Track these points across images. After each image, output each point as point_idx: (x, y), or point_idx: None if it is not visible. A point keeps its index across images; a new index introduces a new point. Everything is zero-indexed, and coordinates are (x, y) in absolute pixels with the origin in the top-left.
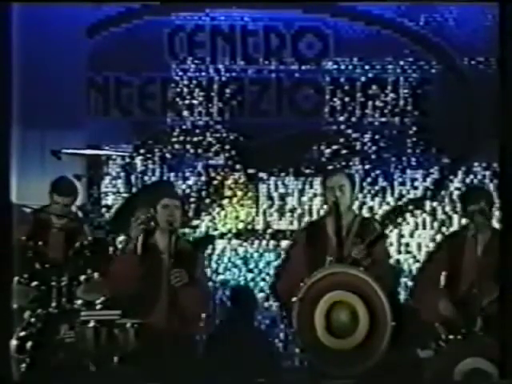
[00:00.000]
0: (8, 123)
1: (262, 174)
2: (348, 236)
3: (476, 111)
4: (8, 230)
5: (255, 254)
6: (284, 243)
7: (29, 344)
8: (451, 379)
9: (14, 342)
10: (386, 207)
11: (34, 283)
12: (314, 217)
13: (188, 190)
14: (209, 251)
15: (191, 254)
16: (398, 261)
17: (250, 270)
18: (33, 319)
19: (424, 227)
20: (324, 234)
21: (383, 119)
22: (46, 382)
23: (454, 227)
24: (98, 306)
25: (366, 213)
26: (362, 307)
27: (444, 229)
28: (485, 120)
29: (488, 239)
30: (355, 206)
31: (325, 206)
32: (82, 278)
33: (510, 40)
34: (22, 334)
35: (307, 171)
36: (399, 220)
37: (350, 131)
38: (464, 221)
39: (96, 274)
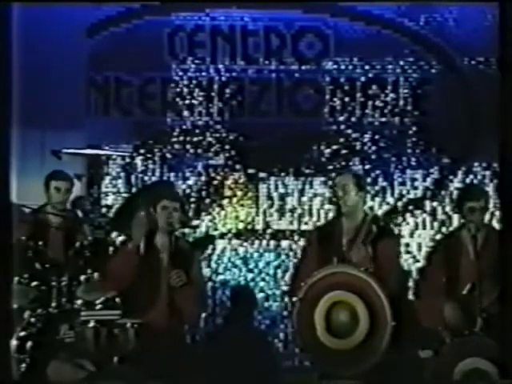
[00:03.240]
0: (8, 123)
1: (262, 174)
2: (358, 236)
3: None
4: (8, 230)
5: (255, 254)
6: (284, 243)
7: (29, 344)
8: (451, 379)
9: (14, 342)
10: (386, 207)
11: (34, 283)
12: (316, 217)
13: (188, 190)
14: (209, 251)
15: (189, 253)
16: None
17: (250, 270)
18: (33, 319)
19: (424, 227)
20: (332, 234)
21: (383, 119)
22: (46, 382)
23: (453, 227)
24: (98, 306)
25: (377, 213)
26: (362, 307)
27: (444, 229)
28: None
29: (485, 238)
30: (365, 207)
31: (326, 206)
32: (82, 278)
33: (510, 40)
34: (22, 333)
35: (307, 171)
36: (401, 220)
37: (350, 131)
38: (460, 220)
39: (96, 274)
